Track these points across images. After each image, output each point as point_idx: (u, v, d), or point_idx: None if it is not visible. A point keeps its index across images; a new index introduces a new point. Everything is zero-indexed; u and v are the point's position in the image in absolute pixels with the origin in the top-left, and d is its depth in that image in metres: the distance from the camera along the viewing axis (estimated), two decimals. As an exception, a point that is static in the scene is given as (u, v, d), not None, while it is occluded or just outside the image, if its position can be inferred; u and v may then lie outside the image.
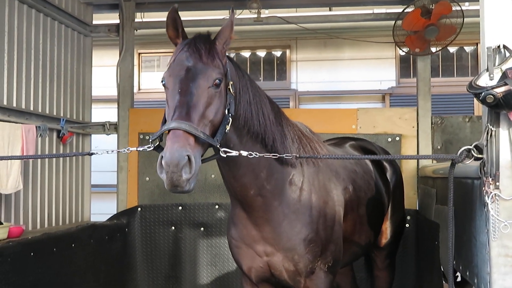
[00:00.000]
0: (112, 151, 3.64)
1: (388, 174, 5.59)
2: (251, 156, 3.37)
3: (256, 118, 3.65)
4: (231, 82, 3.39)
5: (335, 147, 5.17)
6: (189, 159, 2.88)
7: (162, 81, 3.29)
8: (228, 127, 3.30)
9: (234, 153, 3.27)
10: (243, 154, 3.33)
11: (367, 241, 4.95)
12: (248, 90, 3.64)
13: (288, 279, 4.00)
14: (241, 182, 3.71)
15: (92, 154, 3.61)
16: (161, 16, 9.39)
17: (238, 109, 3.49)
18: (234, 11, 3.41)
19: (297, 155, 3.77)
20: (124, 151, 3.50)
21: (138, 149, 3.39)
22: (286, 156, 3.66)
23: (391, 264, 5.80)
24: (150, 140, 3.21)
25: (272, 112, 3.83)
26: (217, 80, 3.20)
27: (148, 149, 3.25)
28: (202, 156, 3.13)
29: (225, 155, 3.24)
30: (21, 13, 6.72)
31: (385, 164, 5.65)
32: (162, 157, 2.89)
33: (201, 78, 3.16)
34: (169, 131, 2.98)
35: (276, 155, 3.57)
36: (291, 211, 3.89)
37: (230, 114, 3.31)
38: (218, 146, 3.17)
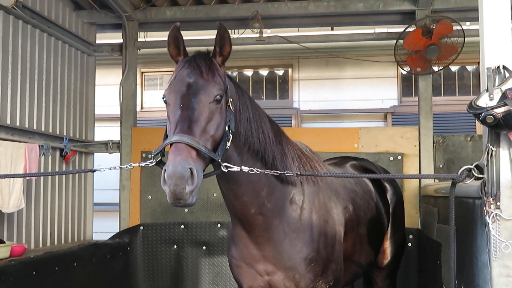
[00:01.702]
0: (115, 168, 3.65)
1: (389, 195, 5.58)
2: (252, 172, 3.36)
3: (256, 136, 3.66)
4: (231, 99, 3.40)
5: (335, 167, 5.18)
6: (192, 171, 2.88)
7: (163, 98, 3.31)
8: (228, 144, 3.30)
9: (235, 168, 3.27)
10: (244, 170, 3.33)
11: (367, 261, 4.94)
12: (248, 108, 3.65)
13: None
14: (241, 200, 3.70)
15: (94, 170, 3.59)
16: (164, 36, 9.41)
17: (238, 126, 3.51)
18: (222, 25, 3.35)
19: (298, 173, 3.77)
20: (126, 167, 3.50)
21: (141, 164, 3.37)
22: (287, 173, 3.65)
23: (392, 284, 5.76)
24: (152, 155, 3.21)
25: (272, 131, 3.84)
26: (218, 96, 3.21)
27: (150, 164, 3.25)
28: (203, 171, 3.14)
29: (226, 170, 3.24)
30: (25, 33, 6.78)
31: (386, 184, 5.65)
32: (165, 170, 2.89)
33: (202, 94, 3.17)
34: (171, 144, 2.99)
35: (277, 172, 3.56)
36: (291, 230, 3.88)
37: (230, 131, 3.32)
38: (219, 160, 3.17)
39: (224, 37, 3.35)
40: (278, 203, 3.83)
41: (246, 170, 3.33)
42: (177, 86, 3.25)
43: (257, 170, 3.36)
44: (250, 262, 3.96)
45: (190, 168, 2.87)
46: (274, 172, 3.53)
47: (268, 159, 3.73)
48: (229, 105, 3.36)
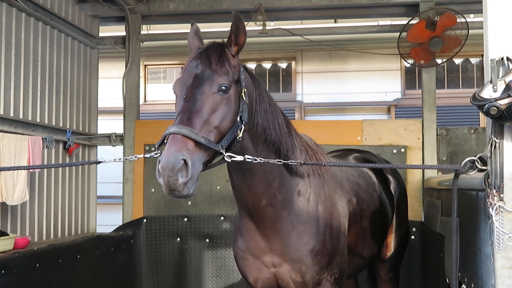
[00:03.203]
0: (120, 159, 3.63)
1: (392, 187, 5.58)
2: (256, 162, 3.33)
3: (273, 128, 3.67)
4: (245, 90, 3.38)
5: (338, 159, 5.18)
6: (185, 163, 2.87)
7: (172, 89, 3.32)
8: (240, 134, 3.29)
9: (238, 158, 3.23)
10: (247, 159, 3.29)
11: (370, 254, 4.94)
12: (264, 99, 3.65)
13: None
14: (254, 191, 3.70)
15: (99, 162, 3.55)
16: (167, 28, 9.47)
17: (255, 117, 3.52)
18: (238, 14, 3.37)
19: (302, 162, 3.77)
20: (131, 158, 3.48)
21: (146, 155, 3.37)
22: (291, 162, 3.64)
23: (395, 277, 5.77)
24: (156, 146, 3.19)
25: (285, 122, 3.86)
26: (223, 86, 3.19)
27: (155, 155, 3.23)
28: (211, 163, 3.16)
29: (229, 160, 3.21)
30: (28, 26, 6.77)
31: (389, 177, 5.64)
32: (159, 161, 2.90)
33: (206, 84, 3.16)
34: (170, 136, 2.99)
35: (280, 161, 3.52)
36: (299, 222, 3.89)
37: (243, 122, 3.31)
38: (220, 150, 3.13)
39: (239, 26, 3.37)
40: (288, 195, 3.85)
41: (250, 160, 3.30)
42: (185, 77, 3.26)
43: (260, 160, 3.35)
44: (257, 254, 3.97)
45: (184, 160, 2.86)
46: (277, 161, 3.50)
47: (282, 151, 3.75)
48: (242, 96, 3.34)
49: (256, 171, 3.63)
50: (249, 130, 3.45)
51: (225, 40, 3.45)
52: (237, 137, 3.28)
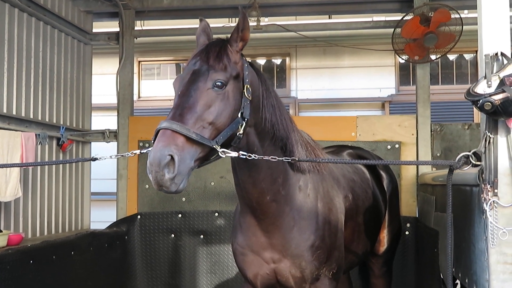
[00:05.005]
0: (116, 156, 3.63)
1: (385, 183, 5.62)
2: (250, 158, 3.30)
3: (281, 123, 3.68)
4: (247, 86, 3.36)
5: (332, 156, 5.19)
6: (172, 158, 2.85)
7: (173, 85, 3.34)
8: (241, 131, 3.27)
9: (232, 153, 3.21)
10: (241, 156, 3.27)
11: (363, 250, 4.96)
12: (271, 95, 3.65)
13: (294, 285, 4.01)
14: (260, 187, 3.70)
15: (95, 159, 3.52)
16: (161, 24, 9.44)
17: (263, 112, 3.52)
18: (243, 10, 3.37)
19: (296, 159, 3.77)
20: (128, 154, 3.48)
21: (142, 151, 3.36)
22: (285, 159, 3.62)
23: (388, 272, 5.80)
24: (152, 142, 3.18)
25: (288, 117, 3.87)
26: (218, 82, 3.16)
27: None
28: (208, 159, 3.15)
29: (224, 155, 3.17)
30: (21, 21, 6.74)
31: (382, 173, 5.68)
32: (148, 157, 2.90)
33: (200, 80, 3.15)
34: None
35: (275, 158, 3.48)
36: (300, 218, 3.91)
37: (244, 118, 3.29)
38: (214, 146, 3.08)
39: (244, 22, 3.36)
40: (290, 191, 3.87)
41: (244, 157, 3.29)
42: (184, 74, 3.27)
43: (255, 156, 3.33)
44: (257, 250, 3.98)
45: (171, 155, 2.85)
46: (271, 158, 3.49)
47: (288, 146, 3.77)
48: (244, 92, 3.33)
49: (262, 167, 3.64)
50: (256, 125, 3.46)
51: (229, 36, 3.45)
52: (238, 134, 3.27)
